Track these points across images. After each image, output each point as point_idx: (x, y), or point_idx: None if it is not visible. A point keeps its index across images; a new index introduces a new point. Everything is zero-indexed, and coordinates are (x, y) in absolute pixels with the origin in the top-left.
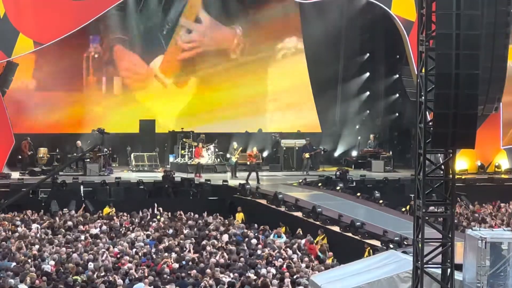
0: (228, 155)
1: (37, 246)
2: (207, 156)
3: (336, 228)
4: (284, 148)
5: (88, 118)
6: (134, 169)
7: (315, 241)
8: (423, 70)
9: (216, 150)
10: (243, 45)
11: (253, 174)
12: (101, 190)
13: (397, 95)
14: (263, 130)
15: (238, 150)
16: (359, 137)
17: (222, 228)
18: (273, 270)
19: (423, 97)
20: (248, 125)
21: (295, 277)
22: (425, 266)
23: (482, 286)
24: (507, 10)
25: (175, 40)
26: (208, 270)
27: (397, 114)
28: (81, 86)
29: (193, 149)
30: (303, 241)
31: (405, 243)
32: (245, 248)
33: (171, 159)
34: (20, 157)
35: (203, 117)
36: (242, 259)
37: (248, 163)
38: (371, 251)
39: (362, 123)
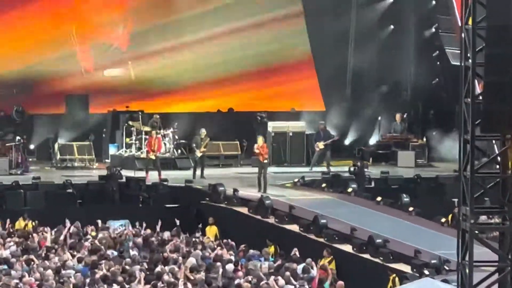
0: (193, 146)
1: None
2: (163, 146)
3: (348, 247)
4: (273, 134)
5: None
6: (59, 165)
7: (319, 265)
8: (470, 22)
9: (176, 137)
10: None
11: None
12: (12, 196)
13: (433, 57)
14: (243, 108)
15: (205, 140)
16: (379, 118)
17: (185, 249)
18: None
19: (469, 60)
20: (220, 102)
21: None
22: None
23: None
24: None
25: None
26: None
27: (433, 85)
28: None
29: (143, 138)
30: (300, 266)
31: (446, 267)
32: (219, 276)
33: (111, 150)
34: None
35: (157, 91)
36: None
37: (262, 159)
38: (397, 279)
39: (384, 97)
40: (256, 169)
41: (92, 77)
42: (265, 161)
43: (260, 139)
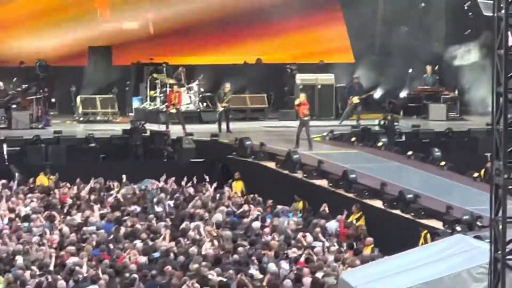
0: (216, 99)
1: None
2: (187, 99)
3: (378, 203)
4: (301, 87)
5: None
6: (81, 119)
7: (349, 221)
8: None
9: (202, 90)
10: None
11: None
12: (33, 150)
13: (465, 7)
14: (270, 60)
15: (228, 95)
16: (410, 70)
17: (211, 204)
18: (285, 266)
19: (503, 10)
20: (247, 53)
21: (317, 274)
22: (508, 257)
23: None
24: None
25: None
26: (191, 266)
27: (465, 36)
28: None
29: (168, 91)
30: (331, 223)
31: (479, 224)
32: (245, 233)
33: (135, 104)
34: None
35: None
36: (240, 249)
37: (302, 116)
38: (428, 236)
39: (414, 48)
40: (287, 123)
41: (114, 28)
42: (305, 118)
43: (302, 95)
